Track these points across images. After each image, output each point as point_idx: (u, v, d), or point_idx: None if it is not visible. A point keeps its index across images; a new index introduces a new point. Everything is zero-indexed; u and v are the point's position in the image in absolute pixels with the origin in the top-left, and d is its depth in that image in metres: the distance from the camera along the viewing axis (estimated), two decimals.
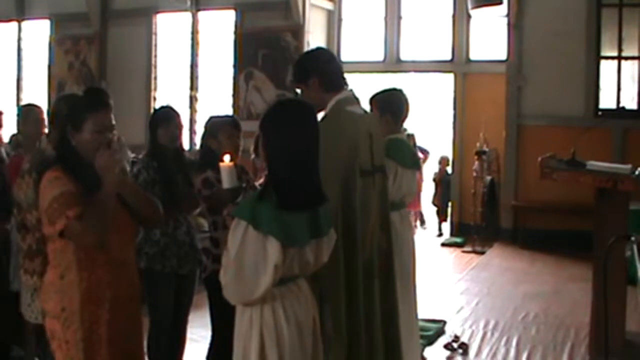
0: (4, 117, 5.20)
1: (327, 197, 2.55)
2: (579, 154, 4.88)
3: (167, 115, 4.04)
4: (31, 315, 3.47)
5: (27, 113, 4.32)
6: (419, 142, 10.30)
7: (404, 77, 10.71)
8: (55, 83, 12.06)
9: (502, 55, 9.77)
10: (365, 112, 3.28)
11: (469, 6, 9.32)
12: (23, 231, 3.37)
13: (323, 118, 3.03)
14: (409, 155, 4.22)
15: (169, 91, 11.52)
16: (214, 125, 4.00)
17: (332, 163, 2.84)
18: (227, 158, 3.14)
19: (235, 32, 10.77)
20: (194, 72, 11.28)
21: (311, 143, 2.53)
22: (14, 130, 5.61)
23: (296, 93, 3.44)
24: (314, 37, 10.36)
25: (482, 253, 8.98)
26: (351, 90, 3.16)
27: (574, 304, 6.38)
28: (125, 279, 2.83)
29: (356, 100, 3.16)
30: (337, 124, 2.99)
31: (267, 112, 2.59)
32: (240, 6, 10.68)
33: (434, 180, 10.88)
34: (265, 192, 2.44)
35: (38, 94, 11.95)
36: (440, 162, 10.85)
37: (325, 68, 3.10)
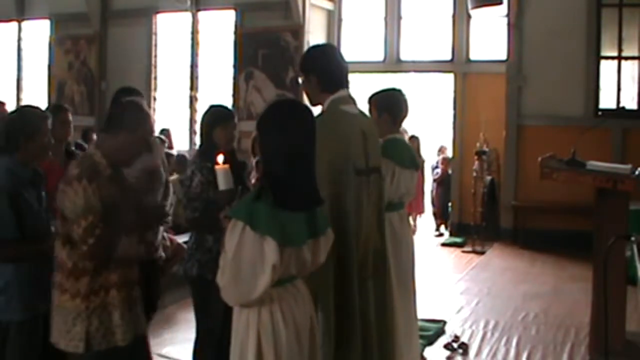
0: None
1: (323, 197, 2.54)
2: (579, 154, 4.88)
3: (226, 115, 3.86)
4: (69, 344, 2.91)
5: (54, 114, 4.05)
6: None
7: (404, 77, 10.71)
8: (55, 83, 12.08)
9: (502, 55, 9.76)
10: (361, 112, 3.22)
11: (469, 6, 9.31)
12: (68, 246, 2.89)
13: (318, 116, 3.00)
14: (407, 155, 4.21)
15: (169, 91, 11.52)
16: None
17: (324, 161, 2.79)
18: (220, 159, 3.05)
19: (235, 32, 10.77)
20: (194, 72, 11.28)
21: (308, 143, 2.52)
22: None
23: (297, 81, 3.42)
24: (314, 37, 10.34)
25: (482, 253, 8.97)
26: (346, 89, 3.11)
27: (574, 304, 6.37)
28: None
29: (352, 100, 3.12)
30: (330, 123, 2.94)
31: (264, 112, 2.58)
32: (240, 6, 10.68)
33: (435, 180, 10.87)
34: (262, 192, 2.42)
35: (38, 94, 11.98)
36: (442, 162, 10.84)
37: (325, 68, 3.05)
